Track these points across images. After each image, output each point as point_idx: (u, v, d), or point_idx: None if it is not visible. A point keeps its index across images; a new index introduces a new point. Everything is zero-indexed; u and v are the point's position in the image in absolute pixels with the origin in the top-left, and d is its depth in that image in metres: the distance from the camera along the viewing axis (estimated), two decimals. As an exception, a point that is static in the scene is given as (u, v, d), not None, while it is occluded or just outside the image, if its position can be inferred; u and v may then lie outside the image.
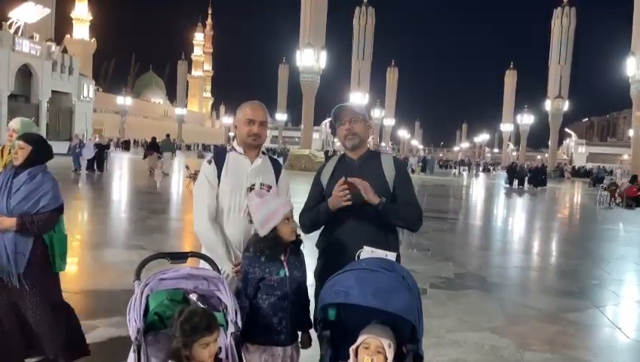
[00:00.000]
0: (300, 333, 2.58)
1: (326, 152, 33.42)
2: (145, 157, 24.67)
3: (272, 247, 2.42)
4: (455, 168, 62.01)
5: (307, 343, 2.58)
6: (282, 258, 2.44)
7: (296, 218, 2.74)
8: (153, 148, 24.07)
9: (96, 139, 23.56)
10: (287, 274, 2.43)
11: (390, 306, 2.08)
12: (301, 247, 2.56)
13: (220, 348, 2.15)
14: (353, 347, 2.14)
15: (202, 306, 2.19)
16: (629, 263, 9.36)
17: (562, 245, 11.58)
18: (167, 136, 25.85)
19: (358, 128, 2.80)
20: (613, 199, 22.13)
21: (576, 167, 64.35)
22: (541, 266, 8.86)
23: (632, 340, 5.02)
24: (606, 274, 7.94)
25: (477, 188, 33.41)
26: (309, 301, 2.58)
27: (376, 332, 2.11)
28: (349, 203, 2.60)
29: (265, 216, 2.44)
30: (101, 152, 21.80)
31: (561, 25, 58.11)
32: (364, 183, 2.60)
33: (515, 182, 32.27)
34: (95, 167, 21.71)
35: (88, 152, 21.21)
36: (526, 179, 33.35)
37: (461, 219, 15.23)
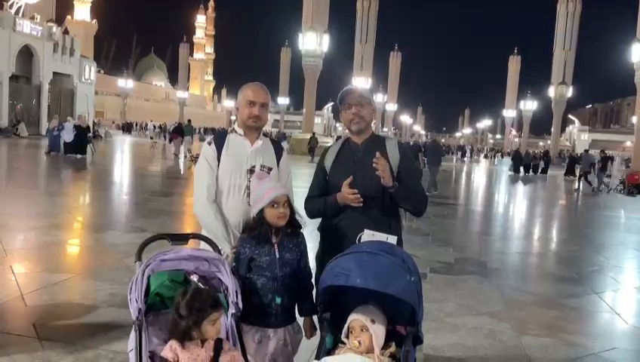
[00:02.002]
0: (301, 319, 2.57)
1: (312, 135, 33.21)
2: (170, 141, 27.07)
3: (257, 228, 2.43)
4: (456, 154, 61.80)
5: (309, 330, 2.56)
6: (274, 240, 2.44)
7: (300, 203, 2.73)
8: (178, 132, 25.91)
9: (76, 121, 22.66)
10: (277, 256, 2.42)
11: (390, 289, 2.09)
12: (301, 231, 2.54)
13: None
14: (343, 334, 2.17)
15: (203, 287, 2.20)
16: (629, 250, 9.39)
17: (562, 231, 11.60)
18: (189, 121, 28.78)
19: (364, 112, 2.78)
20: (580, 184, 21.98)
21: (579, 154, 64.13)
22: (541, 252, 8.89)
23: (630, 326, 5.04)
24: (605, 261, 7.96)
25: (479, 175, 33.34)
26: (311, 286, 2.55)
27: (359, 311, 2.14)
28: (360, 204, 2.60)
29: (255, 197, 2.52)
30: (80, 135, 20.97)
31: (567, 10, 57.47)
32: (385, 166, 2.57)
33: (521, 170, 31.87)
34: (74, 151, 20.52)
35: (67, 135, 20.57)
36: (540, 166, 32.90)
37: (462, 205, 15.24)
